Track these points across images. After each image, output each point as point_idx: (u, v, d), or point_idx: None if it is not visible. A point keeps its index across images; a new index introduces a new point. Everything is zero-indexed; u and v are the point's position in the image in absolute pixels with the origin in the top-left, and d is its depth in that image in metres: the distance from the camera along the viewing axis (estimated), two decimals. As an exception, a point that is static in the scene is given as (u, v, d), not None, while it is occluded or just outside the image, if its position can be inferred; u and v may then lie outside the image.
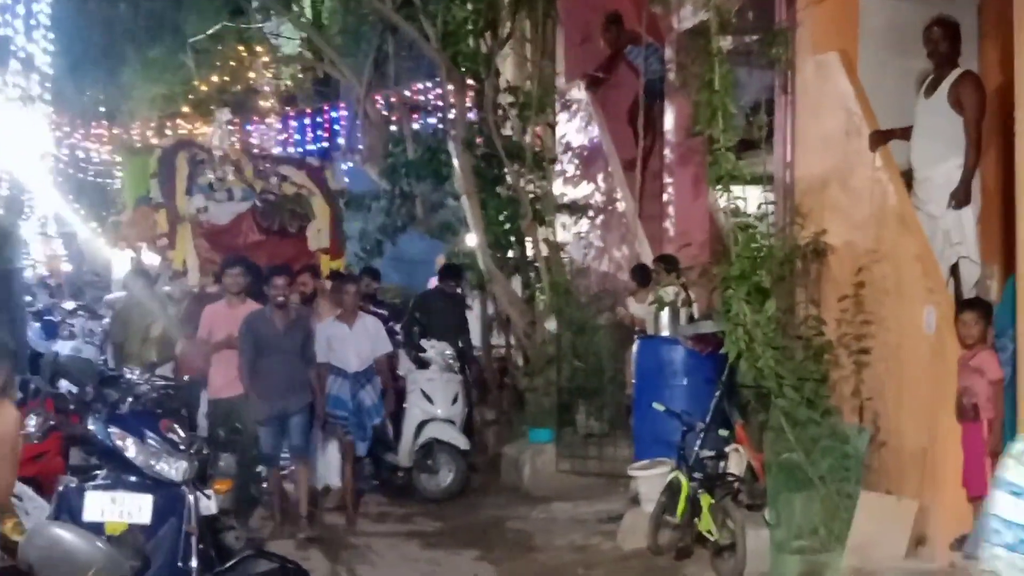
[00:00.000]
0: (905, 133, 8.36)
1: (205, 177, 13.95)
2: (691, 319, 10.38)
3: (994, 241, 8.36)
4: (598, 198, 14.40)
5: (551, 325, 12.80)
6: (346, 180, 17.10)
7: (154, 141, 19.13)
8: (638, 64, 13.58)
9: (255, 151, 15.47)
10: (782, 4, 9.40)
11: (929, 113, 8.15)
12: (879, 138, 8.33)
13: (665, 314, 10.20)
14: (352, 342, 10.94)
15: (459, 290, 13.55)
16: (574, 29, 14.98)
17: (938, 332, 7.47)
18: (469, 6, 13.93)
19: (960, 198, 7.90)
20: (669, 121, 12.89)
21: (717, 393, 8.89)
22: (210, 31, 19.43)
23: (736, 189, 8.56)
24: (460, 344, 12.69)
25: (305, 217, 14.27)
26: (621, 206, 13.77)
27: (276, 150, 18.89)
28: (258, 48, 21.04)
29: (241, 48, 21.21)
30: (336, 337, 10.87)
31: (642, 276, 11.72)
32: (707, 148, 8.91)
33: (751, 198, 8.96)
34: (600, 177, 14.38)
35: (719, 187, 8.46)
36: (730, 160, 8.36)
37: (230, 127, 14.80)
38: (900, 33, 8.80)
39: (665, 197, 12.99)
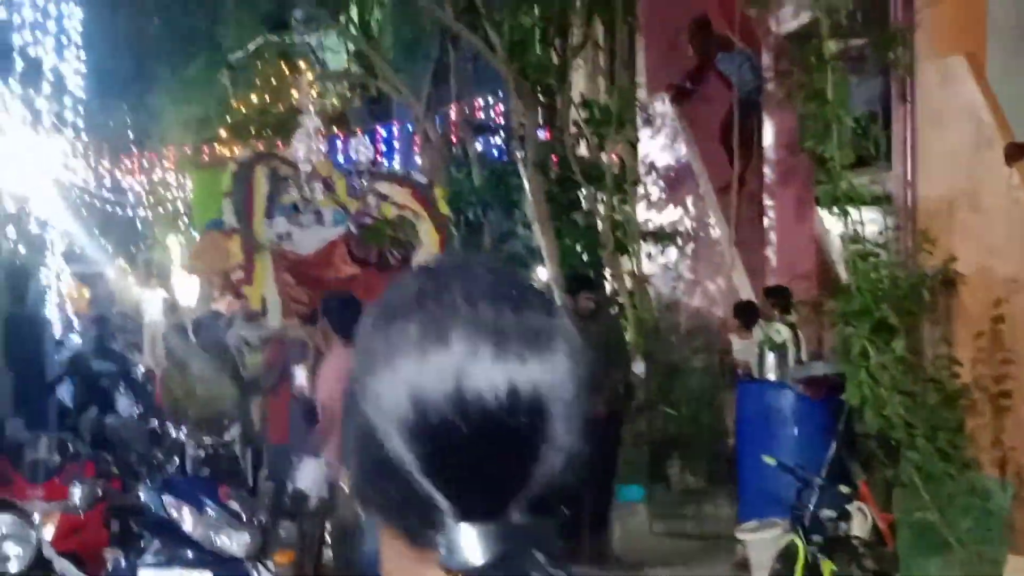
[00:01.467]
0: None
1: (289, 197, 12.71)
2: (799, 360, 10.25)
3: None
4: (688, 224, 14.32)
5: (639, 368, 12.70)
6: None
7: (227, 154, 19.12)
8: (730, 73, 13.51)
9: (350, 165, 13.65)
10: (898, 3, 9.30)
11: None
12: (1016, 151, 8.19)
13: (771, 355, 10.08)
14: None
15: (597, 306, 11.24)
16: (656, 35, 14.94)
17: (1092, 372, 7.31)
18: (537, 11, 13.95)
19: None
20: (768, 136, 12.78)
21: (834, 444, 8.75)
22: (250, 47, 19.62)
23: (854, 211, 8.47)
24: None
25: (410, 245, 12.84)
26: (714, 233, 13.68)
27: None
28: (302, 64, 21.22)
29: (284, 64, 21.42)
30: None
31: (747, 314, 11.56)
32: (816, 166, 8.82)
33: (869, 221, 8.86)
34: (689, 200, 14.30)
35: (835, 210, 8.36)
36: (846, 179, 8.26)
37: (319, 137, 13.38)
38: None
39: (765, 222, 12.87)
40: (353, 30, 18.17)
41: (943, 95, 8.89)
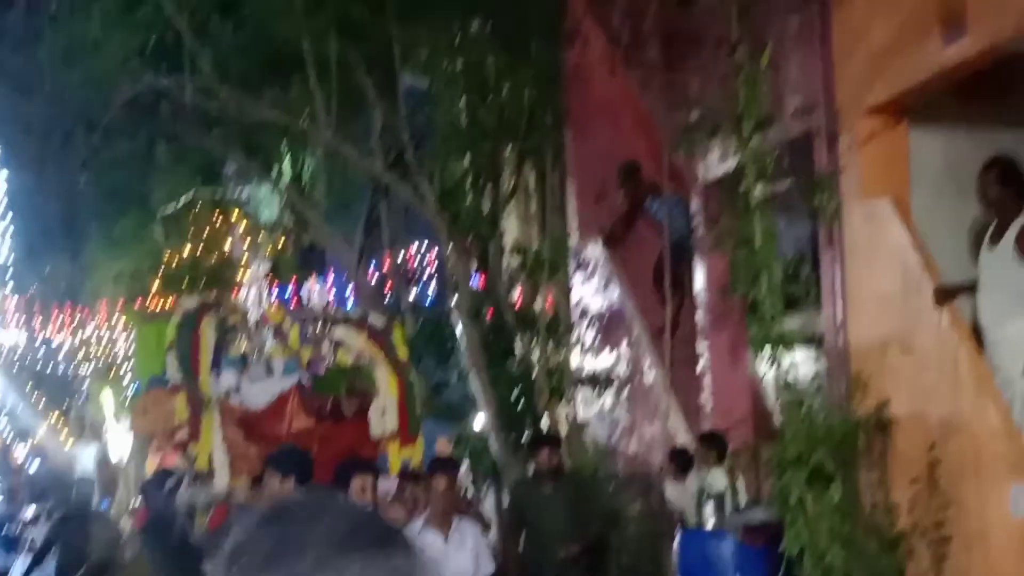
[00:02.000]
0: (973, 288, 8.22)
1: (237, 348, 11.88)
2: (736, 508, 10.10)
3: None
4: (622, 369, 14.22)
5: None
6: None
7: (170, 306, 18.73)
8: (660, 218, 13.53)
9: (303, 310, 13.11)
10: (823, 147, 9.36)
11: (996, 265, 8.02)
12: (945, 294, 8.18)
13: (709, 502, 9.94)
14: (451, 558, 8.96)
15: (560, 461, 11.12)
16: (586, 181, 14.98)
17: (1030, 515, 7.21)
18: (467, 160, 13.98)
19: None
20: (700, 280, 12.77)
21: (775, 593, 8.58)
22: (181, 200, 19.57)
23: (784, 357, 8.42)
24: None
25: (366, 394, 12.05)
26: (649, 377, 13.58)
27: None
28: (233, 216, 21.17)
29: (216, 216, 21.35)
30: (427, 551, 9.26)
31: (682, 460, 11.42)
32: (747, 310, 8.78)
33: (802, 363, 8.81)
34: (623, 345, 14.22)
35: (766, 355, 8.29)
36: (777, 324, 8.21)
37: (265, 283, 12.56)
38: (957, 175, 8.72)
39: (699, 366, 12.80)
40: (284, 182, 18.17)
41: (870, 237, 8.92)
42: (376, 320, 12.44)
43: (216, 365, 11.63)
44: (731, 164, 10.18)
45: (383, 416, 11.72)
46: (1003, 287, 7.98)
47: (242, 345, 11.82)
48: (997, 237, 8.06)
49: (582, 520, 10.24)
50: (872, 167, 9.00)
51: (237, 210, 21.11)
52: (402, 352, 12.10)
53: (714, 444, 10.75)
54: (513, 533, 10.72)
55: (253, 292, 12.37)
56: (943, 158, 9.08)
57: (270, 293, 12.79)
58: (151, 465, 23.29)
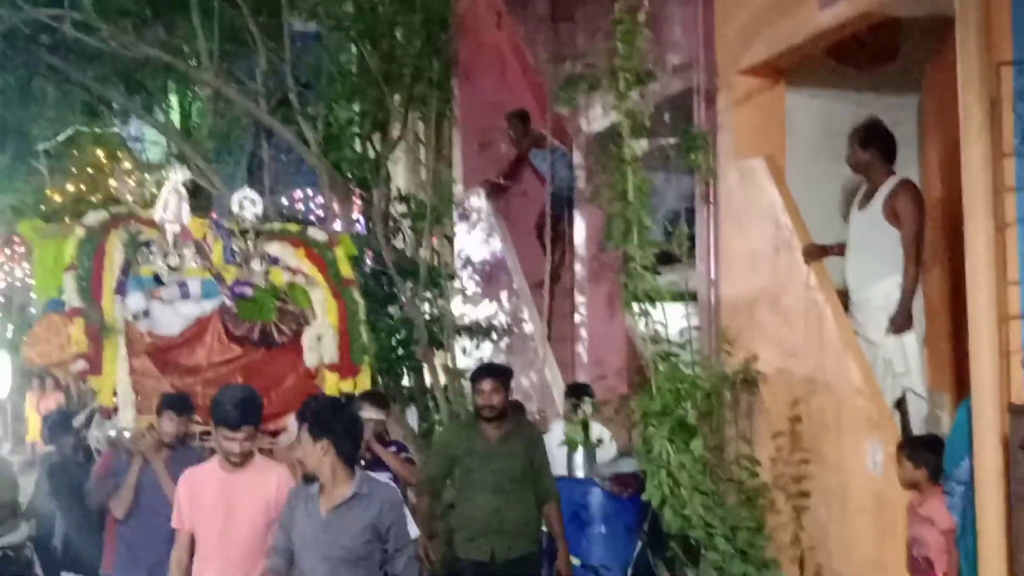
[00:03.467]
0: (842, 249, 8.34)
1: (149, 267, 10.26)
2: (593, 457, 10.15)
3: (943, 367, 8.33)
4: (502, 319, 14.28)
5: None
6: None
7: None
8: (544, 170, 13.56)
9: (229, 222, 10.87)
10: (701, 105, 9.44)
11: (863, 227, 8.14)
12: (813, 253, 8.30)
13: (579, 452, 10.00)
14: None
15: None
16: (473, 130, 14.99)
17: (885, 472, 7.37)
18: (355, 106, 13.86)
19: (899, 322, 7.86)
20: (580, 233, 12.85)
21: (639, 543, 8.69)
22: (61, 136, 19.19)
23: (656, 310, 8.49)
24: None
25: (301, 318, 10.42)
26: (528, 328, 13.65)
27: None
28: (119, 154, 20.81)
29: (100, 154, 20.99)
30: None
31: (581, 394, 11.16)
32: (622, 265, 8.84)
33: (673, 318, 8.89)
34: (504, 296, 14.27)
35: (636, 310, 8.37)
36: (647, 279, 8.28)
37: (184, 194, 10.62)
38: (832, 138, 8.83)
39: (577, 318, 12.90)
40: (168, 123, 17.88)
41: (743, 196, 9.02)
42: (316, 234, 11.11)
43: (122, 288, 10.09)
44: (612, 118, 10.23)
45: (319, 343, 10.34)
46: (869, 249, 8.10)
47: (155, 264, 10.24)
48: (866, 200, 8.18)
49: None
50: (748, 127, 9.10)
51: (121, 150, 20.75)
52: (345, 269, 10.81)
53: (579, 394, 10.78)
54: (433, 497, 8.92)
55: (172, 202, 10.43)
56: (819, 121, 9.19)
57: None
58: (31, 402, 22.95)
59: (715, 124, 9.32)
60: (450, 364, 13.74)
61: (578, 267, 12.97)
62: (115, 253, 10.04)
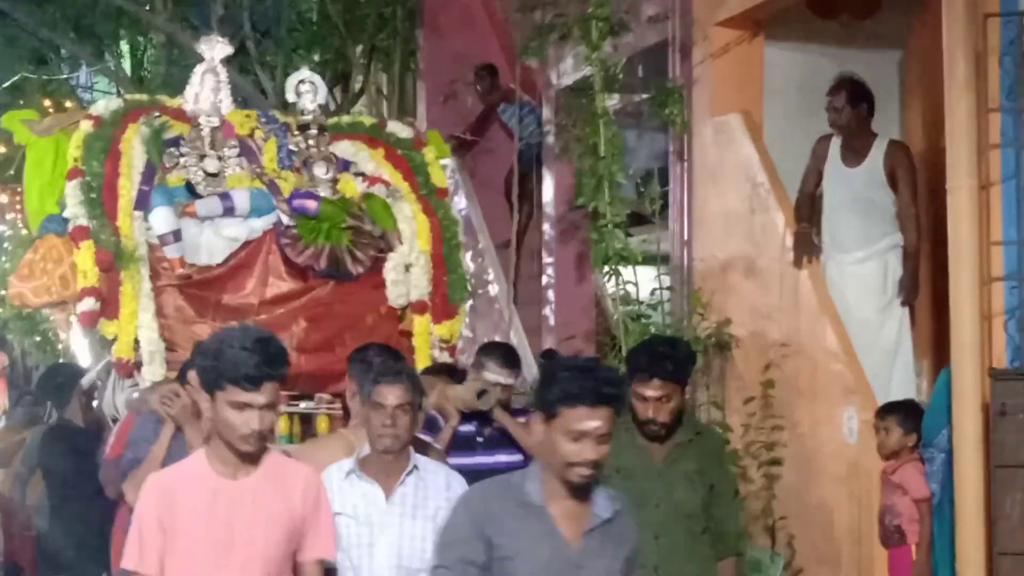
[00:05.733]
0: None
1: (180, 173, 8.04)
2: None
3: (923, 332, 8.36)
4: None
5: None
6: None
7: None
8: (512, 125, 13.50)
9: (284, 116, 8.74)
10: (676, 59, 9.41)
11: (859, 185, 8.08)
12: (809, 246, 8.25)
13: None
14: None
15: None
16: (438, 84, 14.89)
17: (861, 439, 7.40)
18: (315, 57, 13.78)
19: (910, 289, 7.90)
20: (548, 191, 12.81)
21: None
22: (6, 83, 19.05)
23: (626, 271, 8.48)
24: None
25: (382, 241, 8.24)
26: (493, 290, 13.62)
27: None
28: (67, 103, 20.65)
29: (47, 103, 20.81)
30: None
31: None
32: (592, 223, 8.83)
33: (644, 281, 8.89)
34: (469, 256, 14.22)
35: (606, 269, 8.37)
36: (618, 238, 8.27)
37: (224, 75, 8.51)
38: (811, 92, 8.81)
39: (544, 280, 12.87)
40: (118, 70, 17.75)
41: (719, 154, 9.00)
42: (399, 130, 8.87)
43: (144, 201, 7.83)
44: (583, 71, 10.19)
45: (406, 274, 8.20)
46: (863, 209, 8.06)
47: (188, 169, 8.05)
48: (856, 158, 8.14)
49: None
50: (725, 81, 9.06)
51: (69, 98, 20.59)
52: (438, 176, 8.69)
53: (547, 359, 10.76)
54: None
55: (207, 86, 8.30)
56: (798, 75, 9.17)
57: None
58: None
59: (690, 78, 9.28)
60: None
61: (546, 226, 12.93)
62: (134, 154, 7.85)
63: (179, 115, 8.17)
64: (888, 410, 7.17)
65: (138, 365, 7.52)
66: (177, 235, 7.80)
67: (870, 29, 9.13)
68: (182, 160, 8.01)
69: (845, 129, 8.12)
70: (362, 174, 8.41)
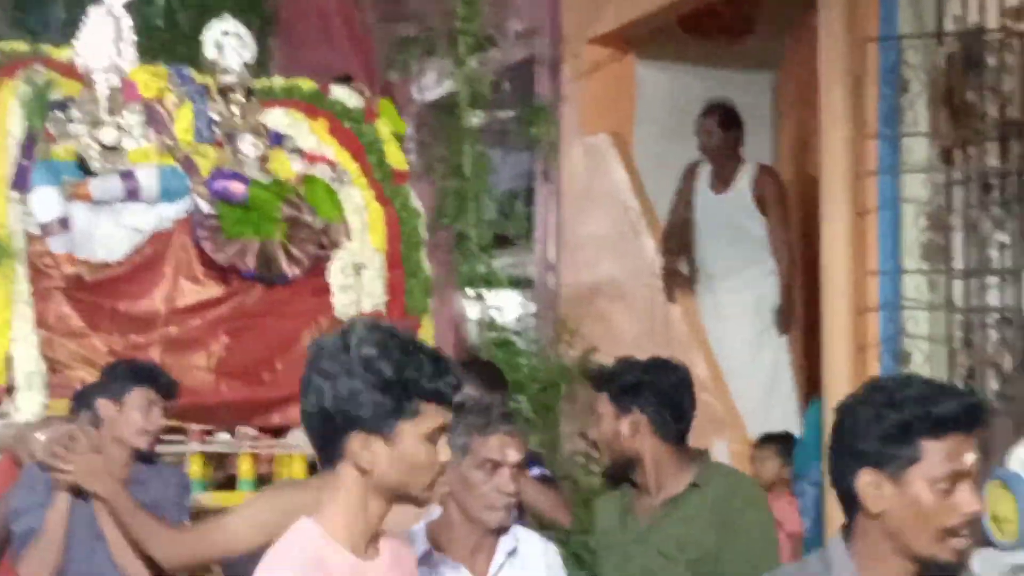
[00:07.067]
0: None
1: (69, 145, 6.29)
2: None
3: (794, 362, 8.39)
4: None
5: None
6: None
7: None
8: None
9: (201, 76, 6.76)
10: (545, 75, 9.36)
11: (728, 211, 8.10)
12: (680, 282, 8.27)
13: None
14: None
15: None
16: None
17: (732, 472, 7.38)
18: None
19: (787, 317, 7.93)
20: (409, 211, 12.68)
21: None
22: None
23: (491, 295, 8.41)
24: None
25: (325, 234, 6.64)
26: (352, 311, 13.47)
27: None
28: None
29: None
30: None
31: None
32: (455, 244, 8.75)
33: (510, 305, 8.83)
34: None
35: (470, 293, 8.29)
36: (483, 261, 8.20)
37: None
38: (683, 114, 8.82)
39: (404, 302, 12.74)
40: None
41: (588, 175, 8.97)
42: (345, 96, 7.17)
43: (22, 180, 6.21)
44: (448, 87, 10.11)
45: (357, 278, 6.68)
46: (739, 235, 8.09)
47: (79, 139, 6.33)
48: (722, 184, 8.16)
49: None
50: (595, 100, 9.04)
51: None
52: (395, 157, 7.06)
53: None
54: None
55: (104, 35, 6.49)
56: (669, 96, 9.17)
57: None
58: None
59: (559, 96, 9.25)
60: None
61: (406, 247, 12.80)
62: (9, 119, 6.23)
63: (68, 71, 6.44)
64: (765, 441, 7.18)
65: (10, 390, 5.94)
66: (64, 223, 6.22)
67: (744, 50, 9.17)
68: (71, 128, 6.33)
69: (714, 153, 8.14)
70: (300, 151, 6.77)
